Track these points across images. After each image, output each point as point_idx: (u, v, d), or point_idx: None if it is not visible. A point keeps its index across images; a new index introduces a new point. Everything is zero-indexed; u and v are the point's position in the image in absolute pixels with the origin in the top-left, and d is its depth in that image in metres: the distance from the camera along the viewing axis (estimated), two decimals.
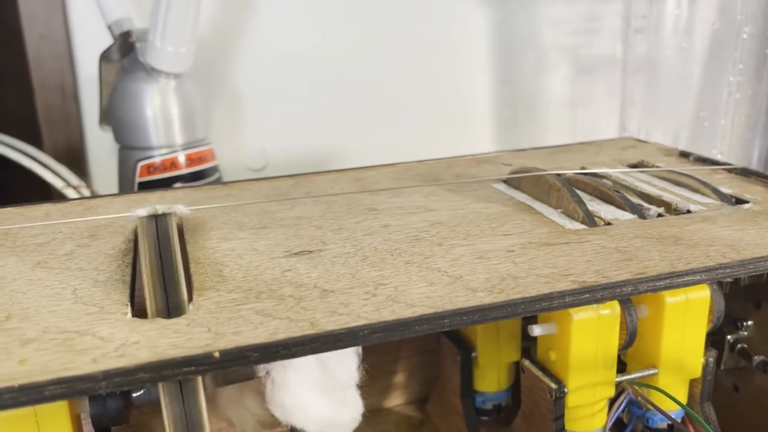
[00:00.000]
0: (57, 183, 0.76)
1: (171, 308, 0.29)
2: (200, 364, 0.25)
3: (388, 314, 0.28)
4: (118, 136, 0.71)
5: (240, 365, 0.26)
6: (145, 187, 0.70)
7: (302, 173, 0.49)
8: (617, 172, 0.43)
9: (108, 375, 0.24)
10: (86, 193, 0.77)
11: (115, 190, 0.75)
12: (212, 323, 0.27)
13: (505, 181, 0.47)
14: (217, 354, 0.25)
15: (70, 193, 0.76)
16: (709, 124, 0.71)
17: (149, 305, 0.29)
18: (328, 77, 0.85)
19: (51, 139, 0.84)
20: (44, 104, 0.83)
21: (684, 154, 0.53)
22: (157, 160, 0.69)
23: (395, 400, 0.54)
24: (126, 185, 0.72)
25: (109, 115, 0.72)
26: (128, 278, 0.32)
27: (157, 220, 0.34)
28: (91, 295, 0.31)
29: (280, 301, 0.29)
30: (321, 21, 0.83)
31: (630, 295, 0.31)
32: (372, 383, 0.51)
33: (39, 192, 0.78)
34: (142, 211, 0.34)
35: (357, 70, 0.86)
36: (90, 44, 0.77)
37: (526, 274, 0.32)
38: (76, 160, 0.84)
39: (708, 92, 0.71)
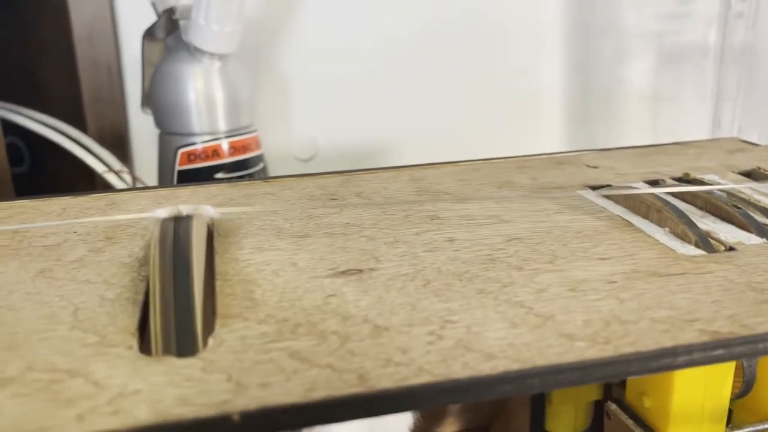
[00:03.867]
0: (98, 167, 0.73)
1: (183, 343, 0.23)
2: (214, 428, 0.19)
3: (459, 368, 0.21)
4: (159, 121, 0.66)
5: (266, 431, 0.20)
6: (185, 175, 0.65)
7: (352, 170, 0.43)
8: (736, 186, 0.36)
9: None
10: (128, 178, 0.74)
11: (156, 176, 0.70)
12: (235, 368, 0.22)
13: (592, 187, 0.40)
14: (236, 416, 0.19)
15: (111, 178, 0.73)
16: None
17: (156, 338, 0.23)
18: (383, 64, 0.79)
19: (95, 122, 0.81)
20: (89, 86, 0.80)
21: None
22: (198, 147, 0.64)
23: (449, 428, 0.47)
24: (165, 173, 0.67)
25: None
26: (141, 297, 0.27)
27: (180, 225, 0.28)
28: (93, 319, 0.25)
29: (321, 340, 0.23)
30: (377, 4, 0.77)
31: None
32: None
33: (84, 176, 0.75)
34: (162, 212, 0.29)
35: (415, 56, 0.79)
36: (136, 23, 0.72)
37: (636, 316, 0.25)
38: (119, 144, 0.81)
39: None
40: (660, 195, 0.33)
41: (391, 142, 0.81)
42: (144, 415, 0.19)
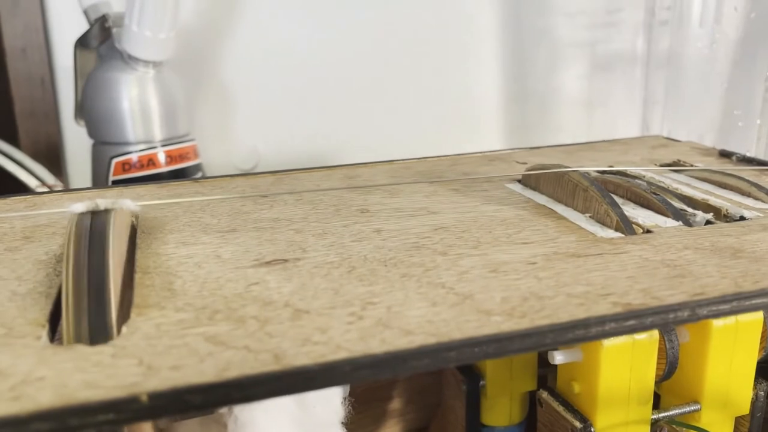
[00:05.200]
0: (31, 182, 0.70)
1: (95, 331, 0.22)
2: (121, 410, 0.19)
3: (377, 344, 0.21)
4: (92, 130, 0.64)
5: (177, 412, 0.19)
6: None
7: (286, 170, 0.43)
8: (652, 171, 0.37)
9: None
10: None
11: None
12: (146, 353, 0.21)
13: (520, 181, 0.40)
14: (144, 397, 0.19)
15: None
16: (743, 125, 0.65)
17: (66, 327, 0.22)
18: (325, 72, 0.79)
19: (28, 135, 0.78)
20: (22, 99, 0.77)
21: (725, 154, 0.46)
22: (133, 156, 0.63)
23: (389, 430, 0.47)
24: (99, 184, 0.65)
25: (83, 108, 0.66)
26: (55, 291, 0.26)
27: (97, 217, 0.28)
28: (1, 312, 0.24)
29: (239, 325, 0.23)
30: (319, 11, 0.77)
31: (687, 322, 0.25)
32: (363, 410, 0.45)
33: (17, 192, 0.73)
34: (79, 207, 0.28)
35: (357, 64, 0.79)
36: (69, 34, 0.71)
37: (553, 292, 0.25)
38: (54, 158, 0.79)
39: (741, 90, 0.65)
40: (586, 175, 0.34)
41: (335, 152, 0.81)
42: (47, 399, 0.19)
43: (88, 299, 0.23)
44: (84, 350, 0.21)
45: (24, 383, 0.19)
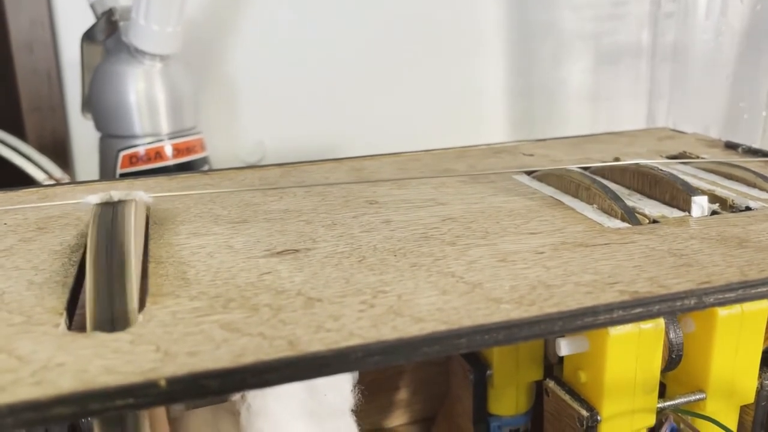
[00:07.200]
0: (38, 175, 0.71)
1: (114, 319, 0.23)
2: (140, 395, 0.19)
3: (388, 331, 0.22)
4: (99, 124, 0.65)
5: (194, 397, 0.20)
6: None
7: (293, 162, 0.43)
8: (659, 162, 0.37)
9: (14, 409, 0.18)
10: None
11: None
12: (163, 340, 0.21)
13: (527, 173, 0.41)
14: (163, 382, 0.19)
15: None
16: (748, 117, 0.65)
17: (88, 315, 0.23)
18: (330, 65, 0.79)
19: (35, 130, 0.79)
20: (28, 94, 0.78)
21: (730, 146, 0.47)
22: (140, 149, 0.63)
23: (396, 420, 0.48)
24: (107, 177, 0.66)
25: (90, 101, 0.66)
26: (71, 280, 0.26)
27: (116, 208, 0.28)
28: (20, 301, 0.25)
29: (253, 312, 0.23)
30: (325, 5, 0.78)
31: (694, 309, 0.25)
32: (370, 400, 0.45)
33: (23, 185, 0.73)
34: (95, 198, 0.28)
35: (362, 57, 0.80)
36: (76, 27, 0.71)
37: (561, 281, 0.25)
38: (60, 151, 0.79)
39: (747, 82, 0.65)
40: (588, 174, 0.34)
41: (340, 145, 0.82)
42: (68, 384, 0.19)
43: (109, 288, 0.24)
44: (102, 337, 0.22)
45: (45, 369, 0.20)
